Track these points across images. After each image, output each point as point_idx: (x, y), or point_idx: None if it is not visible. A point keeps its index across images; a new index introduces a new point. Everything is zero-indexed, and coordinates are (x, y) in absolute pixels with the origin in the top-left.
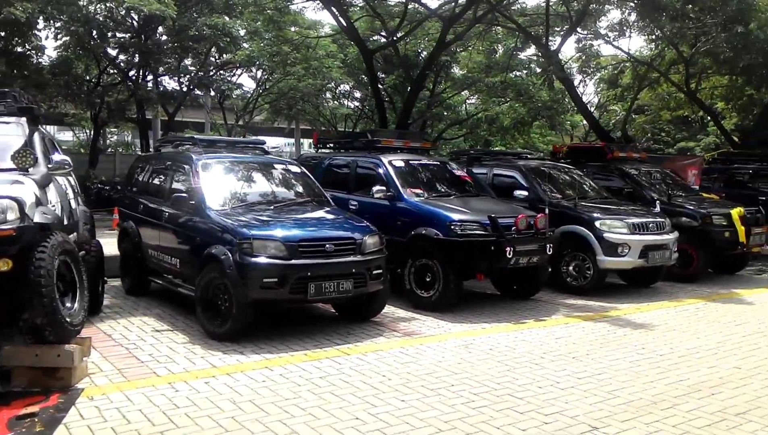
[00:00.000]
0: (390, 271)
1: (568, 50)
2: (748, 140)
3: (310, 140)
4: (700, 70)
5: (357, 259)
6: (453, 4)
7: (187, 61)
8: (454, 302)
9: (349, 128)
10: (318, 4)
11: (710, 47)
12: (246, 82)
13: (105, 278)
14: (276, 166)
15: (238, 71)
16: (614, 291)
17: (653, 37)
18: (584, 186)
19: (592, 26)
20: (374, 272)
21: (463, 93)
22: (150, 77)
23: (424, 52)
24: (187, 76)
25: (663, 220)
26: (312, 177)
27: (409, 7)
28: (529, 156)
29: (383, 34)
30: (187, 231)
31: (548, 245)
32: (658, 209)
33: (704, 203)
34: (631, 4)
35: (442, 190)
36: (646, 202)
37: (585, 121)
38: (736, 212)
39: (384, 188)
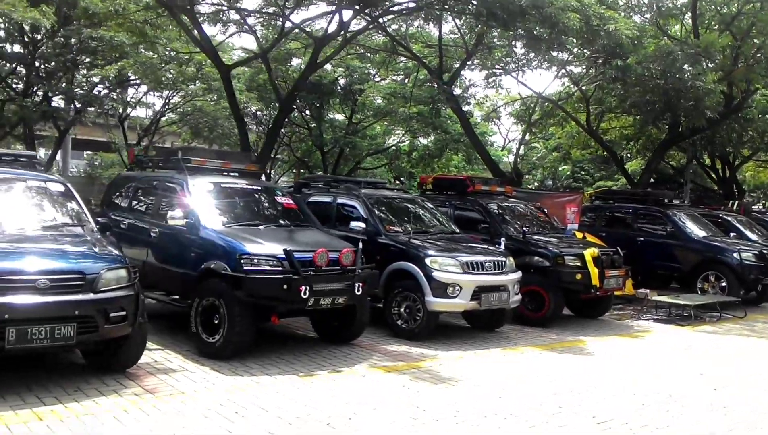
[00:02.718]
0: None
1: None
2: (642, 179)
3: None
4: (604, 108)
5: (84, 297)
6: (328, 22)
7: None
8: (241, 349)
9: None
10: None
11: (600, 82)
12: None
13: None
14: (29, 182)
15: (143, 88)
16: (451, 335)
17: (543, 71)
18: (433, 219)
19: (498, 60)
20: (114, 315)
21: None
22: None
23: (341, 78)
24: (75, 92)
25: (503, 259)
26: (77, 196)
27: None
28: (387, 185)
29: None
30: None
31: (358, 284)
32: (502, 247)
33: (562, 243)
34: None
35: (256, 218)
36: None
37: (510, 157)
38: (589, 253)
39: (181, 214)
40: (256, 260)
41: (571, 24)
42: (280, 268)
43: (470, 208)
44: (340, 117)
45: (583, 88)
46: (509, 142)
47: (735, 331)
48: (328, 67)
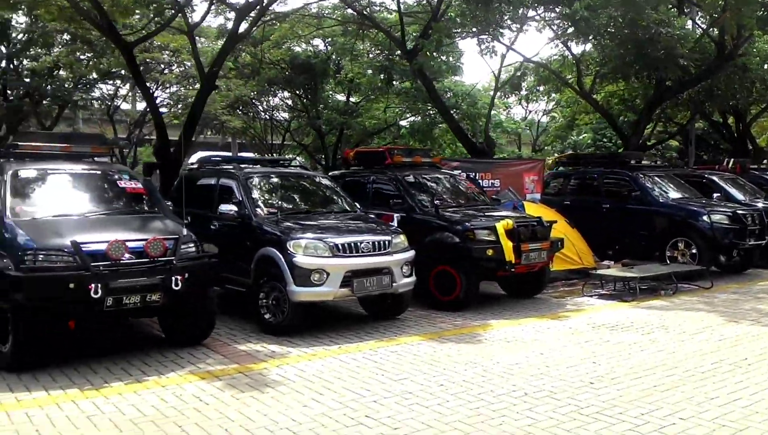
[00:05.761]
0: None
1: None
2: (631, 142)
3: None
4: (605, 71)
5: None
6: None
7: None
8: (31, 360)
9: (277, 141)
10: None
11: (572, 39)
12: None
13: None
14: None
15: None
16: (336, 326)
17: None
18: (330, 197)
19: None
20: None
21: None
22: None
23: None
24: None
25: (388, 237)
26: None
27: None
28: (289, 161)
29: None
30: None
31: (175, 278)
32: (395, 224)
33: (478, 216)
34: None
35: (85, 206)
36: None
37: (529, 130)
38: (501, 226)
39: None
40: (42, 256)
41: None
42: (71, 264)
43: (387, 181)
44: (341, 98)
45: (573, 50)
46: (530, 113)
47: (685, 306)
48: (320, 46)
